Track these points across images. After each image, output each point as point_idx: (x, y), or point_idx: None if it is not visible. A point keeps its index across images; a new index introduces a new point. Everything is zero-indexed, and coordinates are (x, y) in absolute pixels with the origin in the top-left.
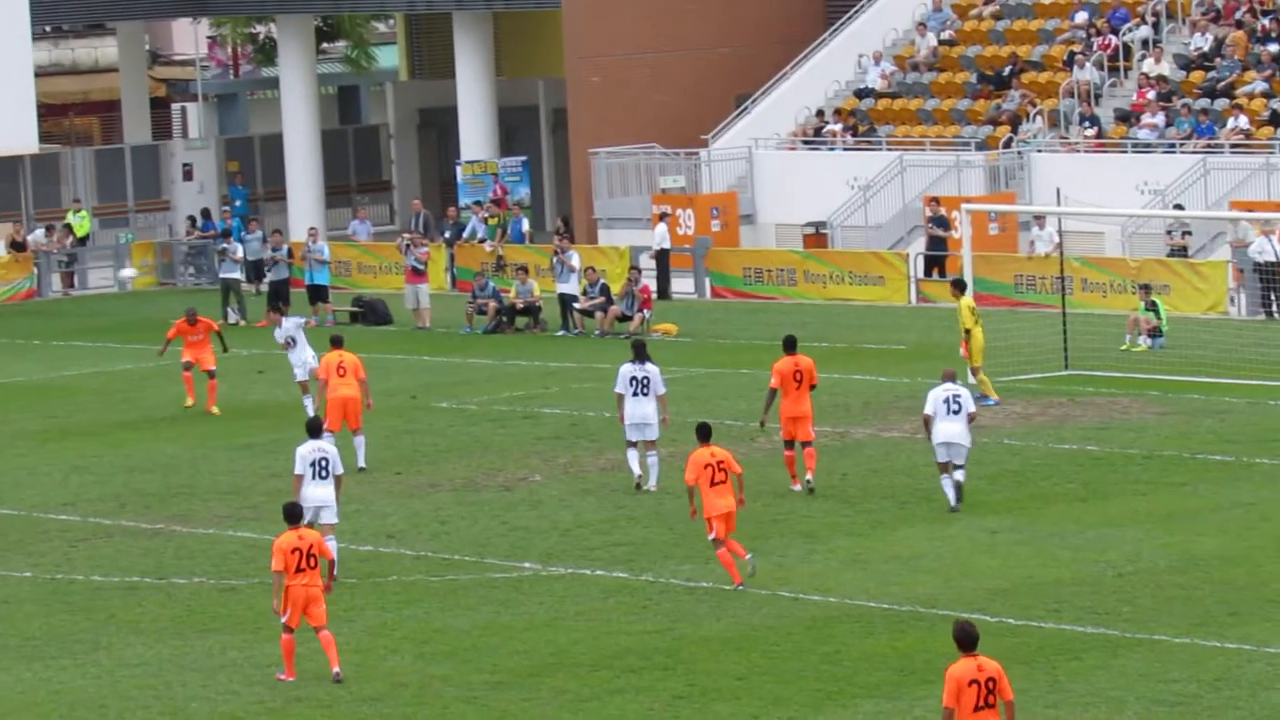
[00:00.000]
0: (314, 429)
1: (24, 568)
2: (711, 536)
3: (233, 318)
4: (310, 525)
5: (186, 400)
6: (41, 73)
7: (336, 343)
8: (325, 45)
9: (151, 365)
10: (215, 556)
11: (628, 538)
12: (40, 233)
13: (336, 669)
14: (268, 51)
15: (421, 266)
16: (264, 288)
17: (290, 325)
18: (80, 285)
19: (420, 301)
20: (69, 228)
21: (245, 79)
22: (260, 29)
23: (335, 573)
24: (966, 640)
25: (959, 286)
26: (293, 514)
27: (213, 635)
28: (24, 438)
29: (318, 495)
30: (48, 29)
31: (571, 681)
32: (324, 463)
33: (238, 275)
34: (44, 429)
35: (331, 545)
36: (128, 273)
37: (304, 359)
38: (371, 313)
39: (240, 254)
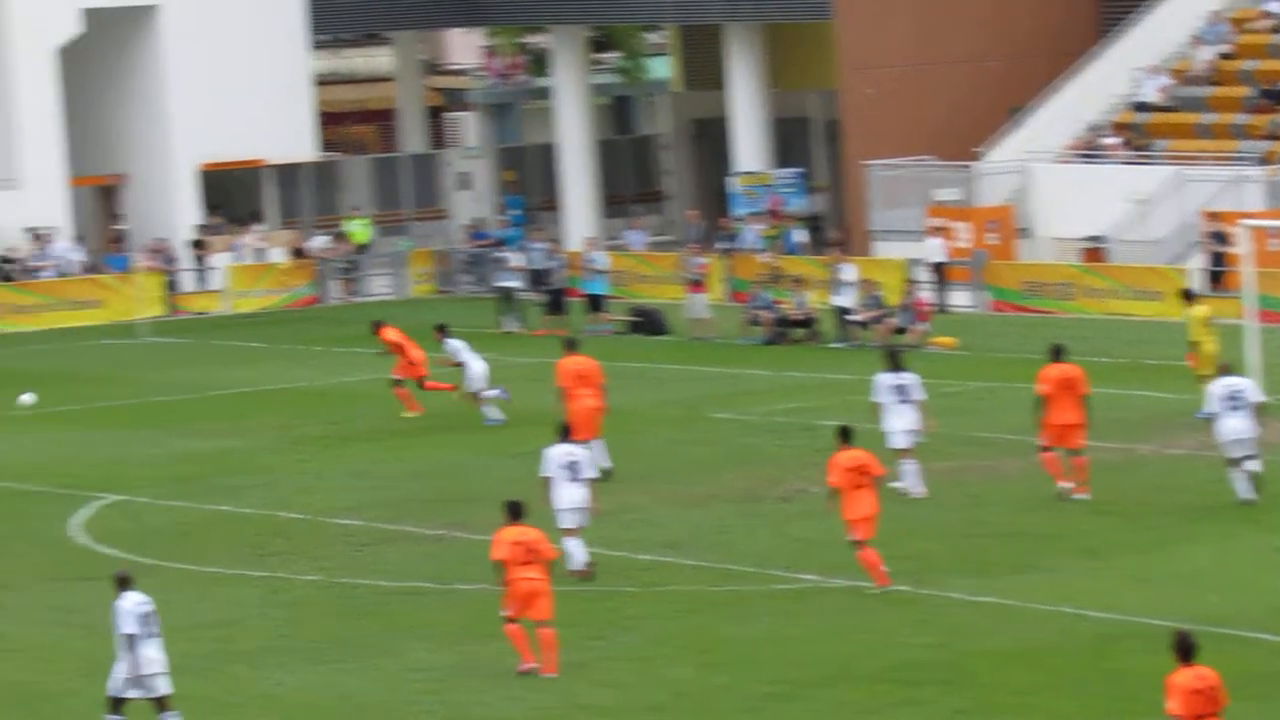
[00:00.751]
0: (564, 432)
1: (310, 571)
2: (853, 539)
3: (510, 326)
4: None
5: (411, 411)
6: (320, 81)
7: (571, 345)
8: (599, 56)
9: (436, 372)
10: (490, 565)
11: (908, 550)
12: (322, 240)
13: (537, 666)
14: (542, 62)
15: (699, 277)
16: (541, 296)
17: (457, 344)
18: (360, 292)
19: (699, 312)
20: (348, 235)
21: (519, 88)
22: (534, 40)
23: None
24: (1185, 650)
25: (1189, 296)
26: (515, 510)
27: (495, 641)
28: (306, 443)
29: (570, 497)
30: (327, 38)
31: (852, 694)
32: (574, 465)
33: (515, 283)
34: (326, 434)
35: (578, 547)
36: (26, 399)
37: (480, 371)
38: (648, 322)
39: (518, 262)
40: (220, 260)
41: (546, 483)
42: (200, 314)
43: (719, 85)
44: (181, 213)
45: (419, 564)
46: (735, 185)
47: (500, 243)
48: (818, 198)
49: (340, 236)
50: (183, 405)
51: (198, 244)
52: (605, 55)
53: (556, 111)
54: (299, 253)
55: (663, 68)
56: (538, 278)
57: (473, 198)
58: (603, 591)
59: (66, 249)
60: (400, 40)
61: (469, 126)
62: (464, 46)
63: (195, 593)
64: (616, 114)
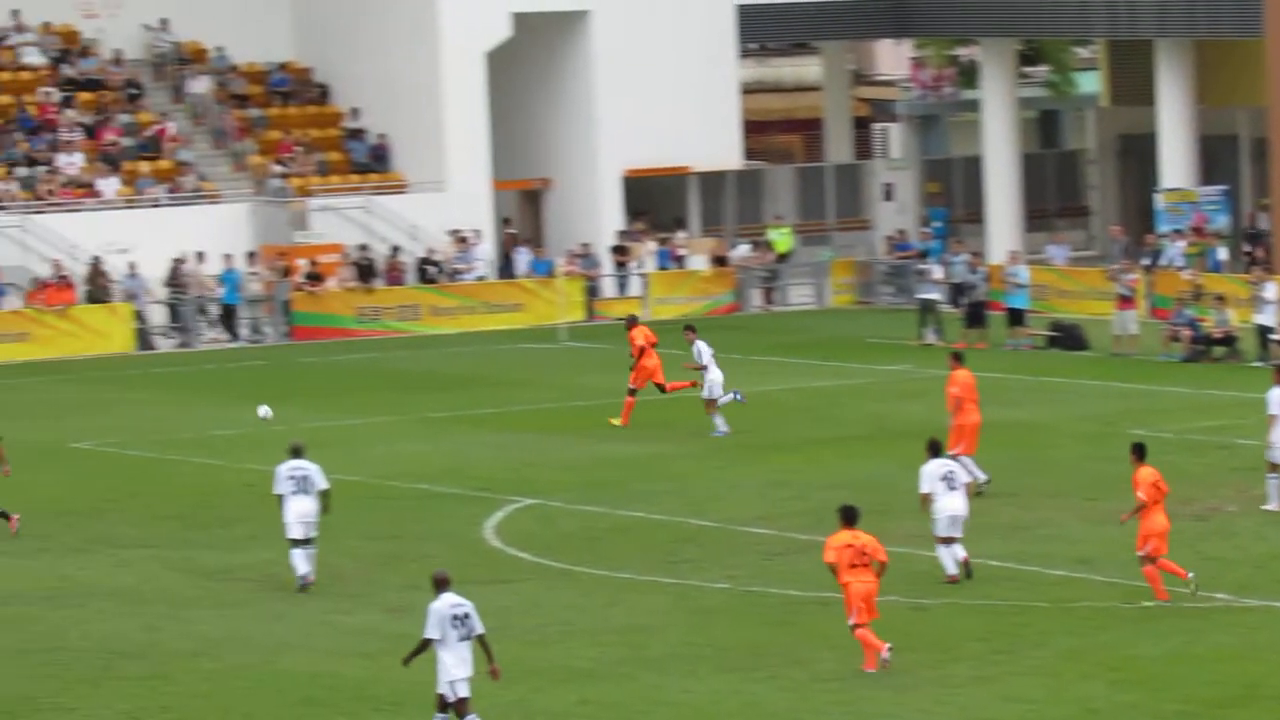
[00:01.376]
0: (935, 448)
1: (721, 579)
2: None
3: (930, 338)
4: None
5: (621, 421)
6: (747, 90)
7: (958, 359)
8: (1026, 69)
9: (847, 383)
10: (908, 575)
11: None
12: (744, 248)
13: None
14: (969, 74)
15: (1129, 293)
16: (961, 309)
17: (704, 348)
18: (781, 301)
19: (1127, 328)
20: (770, 243)
21: (946, 101)
22: (963, 52)
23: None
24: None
25: None
26: (848, 515)
27: (905, 653)
28: (723, 451)
29: (951, 506)
30: (754, 47)
31: (1263, 715)
32: (951, 476)
33: (936, 296)
34: (743, 443)
35: (952, 554)
36: (264, 412)
37: (717, 379)
38: (1068, 338)
39: (939, 274)
40: (641, 266)
41: (925, 499)
42: (620, 319)
43: (1147, 101)
44: (604, 218)
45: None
46: (1160, 201)
47: (922, 254)
48: (1258, 215)
49: (762, 245)
50: (599, 410)
51: (619, 250)
52: (1033, 69)
53: (983, 124)
54: (720, 260)
55: (1090, 82)
56: (959, 290)
57: (896, 209)
58: (1013, 606)
59: (483, 251)
60: (828, 50)
61: (894, 137)
62: (892, 57)
63: (607, 598)
64: (1042, 128)
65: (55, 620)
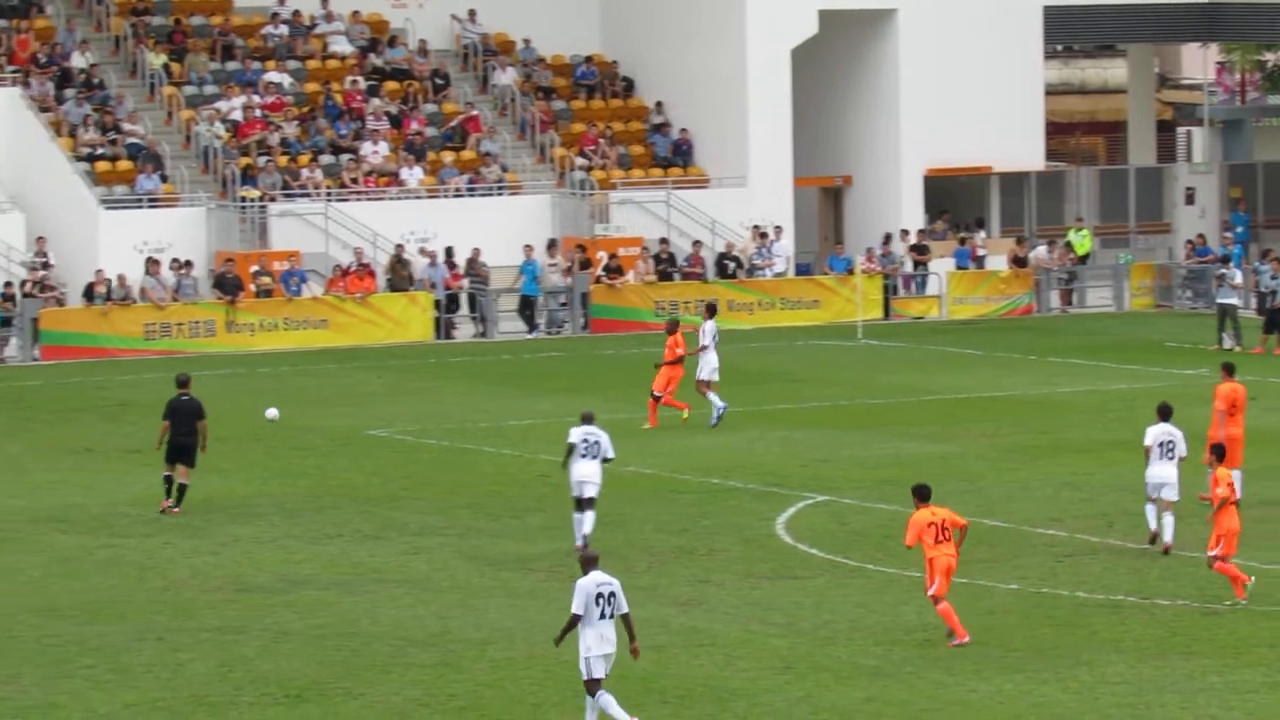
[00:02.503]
0: (1164, 412)
1: (1010, 580)
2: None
3: (1228, 343)
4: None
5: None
6: (1051, 91)
7: (1229, 370)
8: None
9: (1142, 386)
10: (1200, 579)
11: None
12: (1043, 249)
13: (957, 638)
14: (1276, 79)
15: None
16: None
17: (710, 327)
18: (1078, 303)
19: None
20: (1070, 245)
21: (1251, 105)
22: (1270, 57)
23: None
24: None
25: None
26: (922, 493)
27: (1194, 658)
28: (1016, 452)
29: (1159, 474)
30: (1059, 49)
31: None
32: (1170, 444)
33: (1235, 301)
34: (1035, 444)
35: (1168, 522)
36: (272, 414)
37: (713, 362)
38: None
39: (1239, 279)
40: (940, 266)
41: (1146, 452)
42: (917, 318)
43: None
44: (904, 217)
45: (1122, 578)
46: None
47: (1223, 259)
48: None
49: (1061, 246)
50: (894, 409)
51: (918, 249)
52: None
53: None
54: (1019, 261)
55: None
56: (1262, 297)
57: (1197, 213)
58: None
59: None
60: (1134, 52)
61: (1197, 142)
62: (1197, 60)
63: (897, 597)
64: None
65: (347, 606)
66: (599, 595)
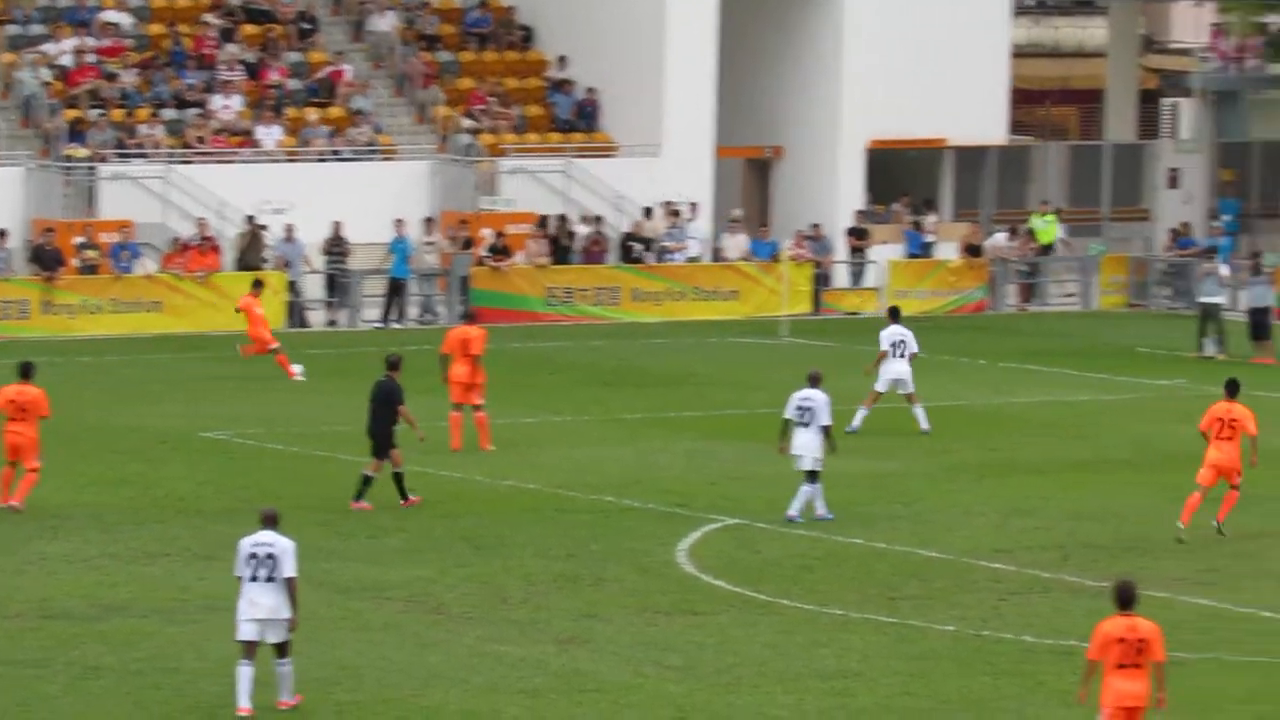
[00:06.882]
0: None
1: (947, 621)
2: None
3: (1210, 350)
4: None
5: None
6: (1018, 53)
7: (1231, 390)
8: None
9: (1110, 398)
10: (1165, 624)
11: None
12: (1001, 237)
13: None
14: (1279, 46)
15: None
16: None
17: (891, 332)
18: (1039, 300)
19: None
20: (1032, 232)
21: (1250, 75)
22: (1274, 19)
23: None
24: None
25: None
26: (1124, 595)
27: (1157, 714)
28: (962, 471)
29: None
30: (1030, 3)
31: None
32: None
33: (1220, 300)
34: (984, 462)
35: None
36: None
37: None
38: None
39: (1226, 273)
40: (880, 254)
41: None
42: (851, 314)
43: None
44: (842, 196)
45: (1076, 620)
46: None
47: (1208, 252)
48: None
49: (1023, 234)
50: None
51: (857, 233)
52: None
53: None
54: (973, 250)
55: None
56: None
57: (1182, 198)
58: None
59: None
60: (1117, 11)
61: (1185, 115)
62: (1190, 22)
63: (813, 637)
64: None
65: (169, 638)
66: (253, 555)
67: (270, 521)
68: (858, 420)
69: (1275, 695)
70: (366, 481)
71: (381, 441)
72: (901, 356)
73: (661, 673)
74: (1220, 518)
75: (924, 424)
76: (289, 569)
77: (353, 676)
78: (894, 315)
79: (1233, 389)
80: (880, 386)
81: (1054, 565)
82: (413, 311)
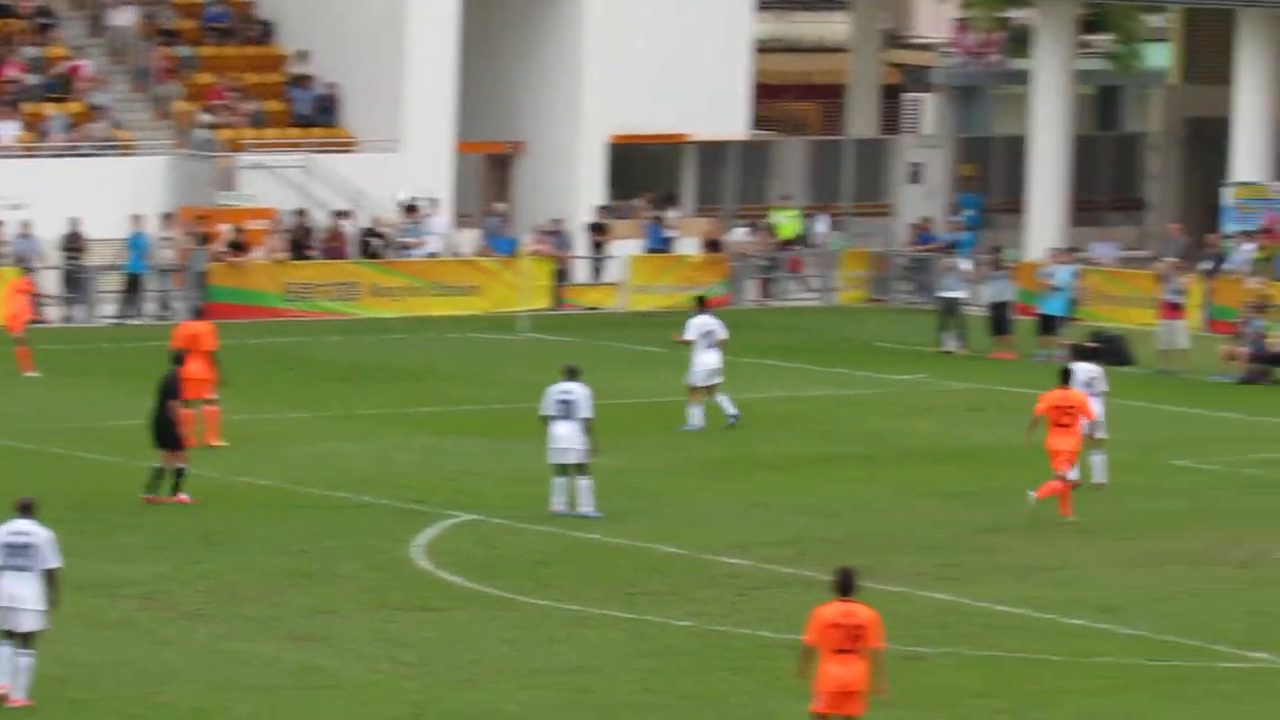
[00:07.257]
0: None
1: (684, 616)
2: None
3: (950, 345)
4: None
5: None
6: (759, 48)
7: (1065, 378)
8: (1087, 37)
9: (850, 393)
10: (902, 619)
11: None
12: (741, 231)
13: None
14: (1020, 41)
15: (1179, 300)
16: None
17: (700, 322)
18: (779, 295)
19: (1175, 340)
20: (773, 227)
21: (991, 70)
22: (1015, 14)
23: None
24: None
25: None
26: (844, 582)
27: (894, 709)
28: (702, 466)
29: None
30: None
31: None
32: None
33: (961, 295)
34: (724, 458)
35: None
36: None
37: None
38: (1109, 350)
39: (967, 267)
40: (621, 249)
41: None
42: (591, 309)
43: (1222, 80)
44: (583, 191)
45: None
46: (1228, 197)
47: (949, 247)
48: None
49: (764, 229)
50: None
51: (597, 228)
52: (1095, 37)
53: (1032, 100)
54: (714, 245)
55: (1160, 56)
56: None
57: (923, 193)
58: (1022, 659)
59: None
60: (859, 6)
61: (927, 110)
62: (932, 17)
63: (550, 633)
64: (1100, 106)
65: None
66: (9, 544)
67: (26, 510)
68: (697, 420)
69: (1011, 690)
70: (158, 474)
71: (164, 433)
72: (711, 347)
73: (397, 669)
74: (1065, 511)
75: (730, 409)
76: (52, 559)
77: (86, 674)
78: (701, 305)
79: (1066, 377)
80: (697, 381)
81: (792, 560)
82: (150, 307)
